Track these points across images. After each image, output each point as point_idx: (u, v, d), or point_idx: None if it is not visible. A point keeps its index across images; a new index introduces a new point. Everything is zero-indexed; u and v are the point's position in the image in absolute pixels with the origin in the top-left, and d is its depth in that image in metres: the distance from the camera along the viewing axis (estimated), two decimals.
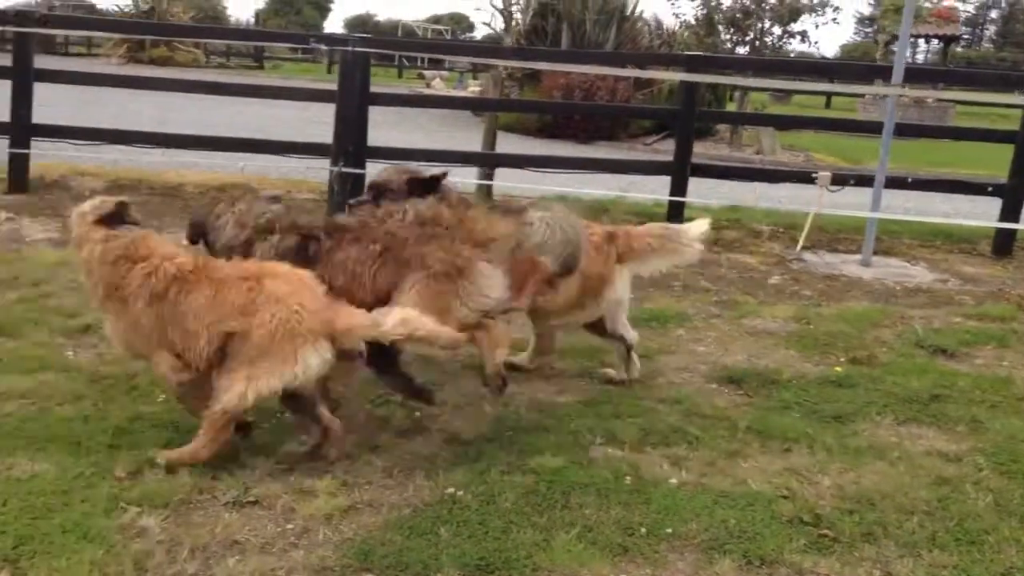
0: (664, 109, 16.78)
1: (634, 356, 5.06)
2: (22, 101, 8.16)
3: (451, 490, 3.68)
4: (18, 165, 8.15)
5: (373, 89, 8.34)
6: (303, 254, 4.16)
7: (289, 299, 3.64)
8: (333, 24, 61.17)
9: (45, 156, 8.72)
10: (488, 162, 9.15)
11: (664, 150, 18.34)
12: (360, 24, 60.62)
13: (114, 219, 3.90)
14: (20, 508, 3.27)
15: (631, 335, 5.03)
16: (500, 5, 10.45)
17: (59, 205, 7.82)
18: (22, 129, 8.11)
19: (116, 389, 4.45)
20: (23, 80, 8.20)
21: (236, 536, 3.26)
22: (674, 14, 22.89)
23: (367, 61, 7.87)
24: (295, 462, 3.82)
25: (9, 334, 5.07)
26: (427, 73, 33.46)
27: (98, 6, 43.99)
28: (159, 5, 37.72)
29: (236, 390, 3.57)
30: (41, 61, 8.96)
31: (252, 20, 55.18)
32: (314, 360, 3.62)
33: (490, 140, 9.22)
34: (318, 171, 8.71)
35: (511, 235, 4.18)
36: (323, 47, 8.29)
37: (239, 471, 3.73)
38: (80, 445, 3.81)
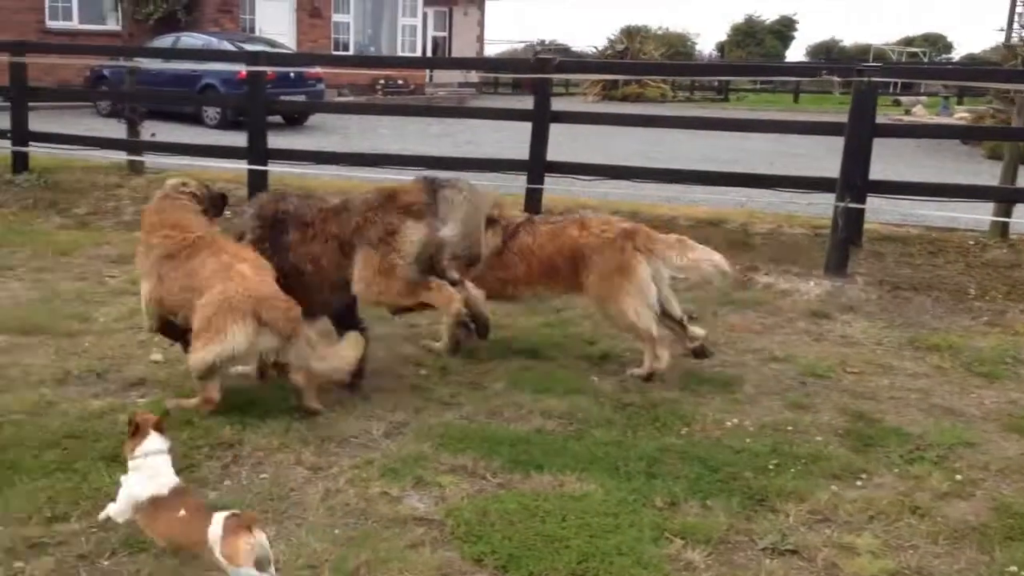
0: None
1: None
2: (540, 140, 8.97)
3: (1013, 568, 3.29)
4: (533, 199, 8.95)
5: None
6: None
7: None
8: (795, 52, 59.82)
9: (554, 190, 9.50)
10: (1008, 197, 8.26)
11: None
12: (825, 51, 58.68)
13: None
14: (578, 526, 3.50)
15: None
16: None
17: None
18: (541, 166, 8.90)
19: (641, 418, 4.64)
20: (542, 121, 9.00)
21: None
22: None
23: (876, 91, 7.52)
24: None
25: (541, 357, 5.55)
26: (905, 99, 31.47)
27: (571, 48, 47.36)
28: (632, 44, 39.85)
29: None
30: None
31: (715, 53, 55.93)
32: None
33: (1010, 173, 8.31)
34: (817, 206, 8.50)
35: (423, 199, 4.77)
36: (836, 78, 7.97)
37: (771, 515, 3.68)
38: (618, 470, 4.01)
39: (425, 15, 34.59)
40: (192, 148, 11.39)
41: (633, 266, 5.14)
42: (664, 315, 5.31)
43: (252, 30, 27.12)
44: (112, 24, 25.64)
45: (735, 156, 15.06)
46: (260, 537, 2.88)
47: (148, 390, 4.69)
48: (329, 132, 19.10)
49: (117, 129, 12.24)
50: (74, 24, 24.76)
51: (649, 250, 5.19)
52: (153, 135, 11.50)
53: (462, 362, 5.35)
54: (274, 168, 9.96)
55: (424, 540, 3.37)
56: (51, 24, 24.23)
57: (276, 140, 10.79)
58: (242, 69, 13.04)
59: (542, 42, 48.17)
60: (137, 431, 3.16)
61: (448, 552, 3.31)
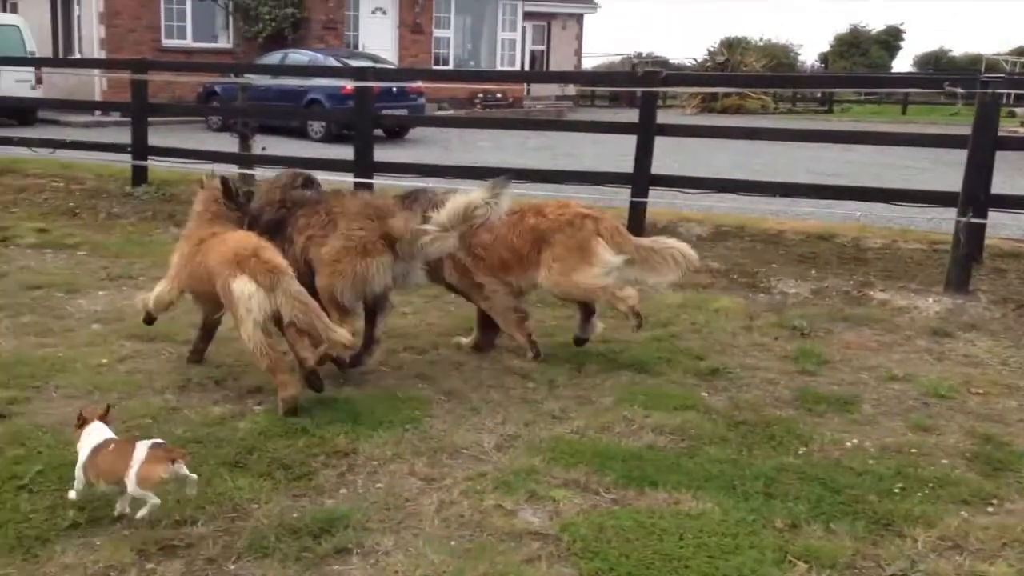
0: None
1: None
2: (645, 153, 8.89)
3: None
4: (637, 213, 8.87)
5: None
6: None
7: None
8: (902, 63, 58.01)
9: (657, 204, 9.40)
10: None
11: None
12: (933, 61, 56.72)
13: None
14: (696, 545, 3.43)
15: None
16: None
17: None
18: (647, 179, 8.83)
19: (755, 436, 4.52)
20: (647, 134, 8.93)
21: None
22: None
23: (999, 103, 7.23)
24: None
25: (648, 371, 5.47)
26: (1019, 111, 30.19)
27: (669, 60, 46.81)
28: (733, 56, 39.30)
29: None
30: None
31: (818, 64, 54.60)
32: None
33: None
34: (937, 222, 8.22)
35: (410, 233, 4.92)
36: (959, 90, 7.66)
37: (899, 540, 3.54)
38: (735, 489, 3.91)
39: (524, 29, 34.81)
40: (301, 161, 11.64)
41: (593, 246, 5.38)
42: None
43: (356, 46, 27.73)
44: (223, 42, 26.59)
45: (838, 168, 14.68)
46: (179, 469, 3.32)
47: (264, 398, 4.78)
48: (429, 145, 19.35)
49: (228, 143, 12.61)
50: (188, 42, 25.74)
51: (610, 237, 5.44)
52: (264, 149, 11.82)
53: (570, 376, 5.32)
54: (380, 180, 10.12)
55: (540, 555, 3.34)
56: (166, 43, 25.24)
57: (379, 153, 10.96)
58: (348, 84, 13.33)
59: (639, 55, 47.83)
60: (84, 423, 3.60)
61: (565, 568, 3.28)
